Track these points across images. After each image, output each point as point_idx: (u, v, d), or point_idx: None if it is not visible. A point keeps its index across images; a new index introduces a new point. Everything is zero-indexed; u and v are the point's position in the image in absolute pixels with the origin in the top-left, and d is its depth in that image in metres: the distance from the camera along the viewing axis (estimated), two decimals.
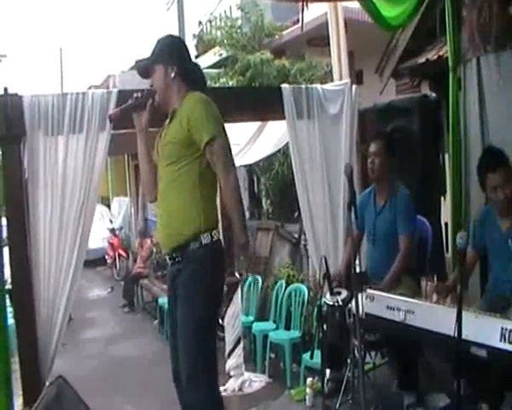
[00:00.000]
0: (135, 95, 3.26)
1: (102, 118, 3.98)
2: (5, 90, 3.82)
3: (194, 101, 3.11)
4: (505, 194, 3.55)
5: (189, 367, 3.08)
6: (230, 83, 9.81)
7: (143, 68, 3.27)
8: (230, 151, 3.16)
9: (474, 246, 3.78)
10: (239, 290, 6.33)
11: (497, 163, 3.61)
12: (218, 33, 11.28)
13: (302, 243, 7.75)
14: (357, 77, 8.73)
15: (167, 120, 3.26)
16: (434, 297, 3.69)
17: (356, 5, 5.77)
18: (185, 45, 3.39)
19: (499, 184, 3.56)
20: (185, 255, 3.12)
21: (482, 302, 3.60)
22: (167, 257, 3.25)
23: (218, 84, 9.94)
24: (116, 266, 14.27)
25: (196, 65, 3.40)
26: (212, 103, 3.17)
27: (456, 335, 2.79)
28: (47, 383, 3.83)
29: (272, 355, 6.62)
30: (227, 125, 5.21)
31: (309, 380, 4.62)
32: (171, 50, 3.22)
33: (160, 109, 3.27)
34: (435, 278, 4.61)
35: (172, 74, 3.18)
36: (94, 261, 14.74)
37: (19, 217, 3.84)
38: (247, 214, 11.87)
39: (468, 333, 2.83)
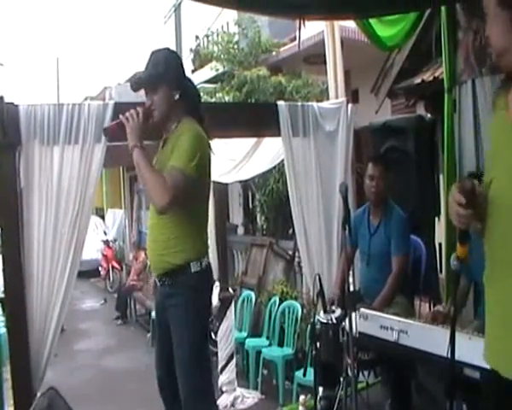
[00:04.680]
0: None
1: (98, 129, 3.97)
2: (1, 98, 3.79)
3: (185, 131, 3.11)
4: None
5: (187, 389, 3.15)
6: (227, 98, 9.83)
7: (140, 84, 3.25)
8: (190, 193, 3.05)
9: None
10: (232, 306, 6.34)
11: None
12: (215, 48, 11.31)
13: (296, 260, 7.76)
14: (352, 96, 8.78)
15: (161, 144, 3.30)
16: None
17: (352, 24, 5.83)
18: (180, 59, 3.38)
19: None
20: (175, 282, 3.17)
21: (476, 324, 3.61)
22: (157, 279, 3.30)
23: (214, 99, 9.97)
24: (109, 278, 14.27)
25: (190, 80, 3.40)
26: (202, 137, 3.14)
27: (449, 356, 2.79)
28: (38, 394, 3.79)
29: (265, 372, 6.63)
30: (223, 141, 5.30)
31: (301, 398, 4.61)
32: (177, 73, 3.22)
33: (158, 127, 3.28)
34: (429, 299, 4.62)
35: (176, 97, 3.18)
36: (87, 272, 14.73)
37: (13, 225, 3.81)
38: (242, 230, 11.88)
39: (461, 354, 2.82)
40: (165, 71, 3.15)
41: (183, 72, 3.31)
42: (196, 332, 3.17)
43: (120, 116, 3.18)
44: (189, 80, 3.37)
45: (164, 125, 3.25)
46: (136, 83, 3.26)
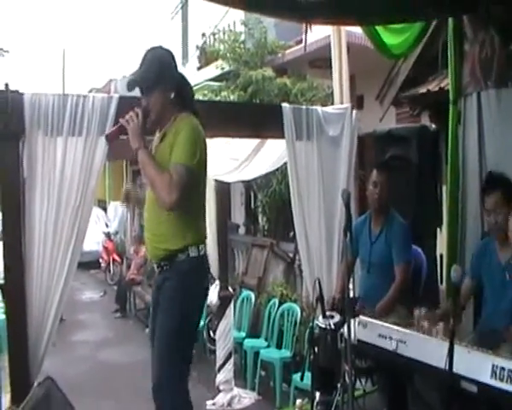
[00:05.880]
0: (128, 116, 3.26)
1: (102, 122, 3.96)
2: (6, 86, 3.76)
3: (183, 125, 3.19)
4: (496, 219, 3.59)
5: (157, 375, 3.22)
6: (231, 97, 9.82)
7: (135, 86, 3.30)
8: (192, 186, 3.17)
9: (472, 276, 3.81)
10: (232, 305, 6.36)
11: (493, 187, 3.66)
12: (221, 47, 11.31)
13: (297, 262, 7.76)
14: (357, 102, 8.74)
15: (157, 138, 3.37)
16: (425, 324, 3.71)
17: (359, 30, 5.83)
18: (173, 56, 3.41)
19: (492, 208, 3.61)
20: (173, 264, 3.25)
21: (475, 336, 3.63)
22: (155, 265, 3.38)
23: (218, 98, 9.97)
24: (110, 271, 14.33)
25: (183, 76, 3.45)
26: (199, 131, 3.24)
27: (447, 368, 2.81)
28: (35, 384, 3.80)
29: (262, 373, 6.63)
30: (225, 140, 5.30)
31: (298, 401, 4.64)
32: (171, 73, 3.29)
33: (154, 125, 3.35)
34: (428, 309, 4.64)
35: (171, 96, 3.26)
36: (88, 264, 14.79)
37: (15, 214, 3.82)
38: (243, 229, 11.88)
39: (459, 367, 2.85)
40: (159, 74, 3.22)
41: (176, 69, 3.37)
42: (176, 322, 3.22)
43: (120, 120, 3.26)
44: (182, 75, 3.43)
45: (160, 122, 3.32)
46: (132, 85, 3.31)
